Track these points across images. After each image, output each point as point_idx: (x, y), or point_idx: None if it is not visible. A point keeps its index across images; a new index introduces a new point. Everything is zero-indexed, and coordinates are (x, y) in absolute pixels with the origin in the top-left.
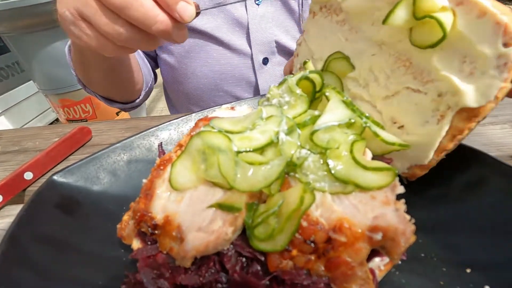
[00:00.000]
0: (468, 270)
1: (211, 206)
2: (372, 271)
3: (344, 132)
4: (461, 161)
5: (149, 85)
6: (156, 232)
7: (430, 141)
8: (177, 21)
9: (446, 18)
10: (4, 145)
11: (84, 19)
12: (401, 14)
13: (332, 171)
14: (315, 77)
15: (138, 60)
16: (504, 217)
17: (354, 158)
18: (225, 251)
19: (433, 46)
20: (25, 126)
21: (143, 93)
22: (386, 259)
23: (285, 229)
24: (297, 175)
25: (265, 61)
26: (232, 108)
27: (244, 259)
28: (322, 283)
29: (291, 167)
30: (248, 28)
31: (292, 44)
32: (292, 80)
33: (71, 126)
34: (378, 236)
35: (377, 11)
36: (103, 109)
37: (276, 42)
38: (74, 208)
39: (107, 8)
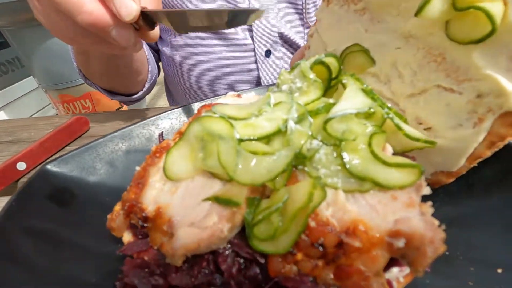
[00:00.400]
0: (500, 270)
1: (207, 199)
2: (389, 283)
3: (362, 123)
4: None
5: (153, 77)
6: (146, 225)
7: (462, 146)
8: (118, 19)
9: (496, 9)
10: None
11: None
12: (437, 5)
13: (347, 166)
14: (332, 62)
15: (146, 51)
16: None
17: (373, 152)
18: (221, 250)
19: (477, 41)
20: None
21: (147, 85)
22: (406, 270)
23: (289, 229)
24: (306, 169)
25: (268, 53)
26: (239, 95)
27: (242, 261)
28: None
29: (300, 160)
30: None
31: (295, 36)
32: (306, 64)
33: (69, 117)
34: (400, 243)
35: (403, 2)
36: (103, 105)
37: (279, 34)
38: (68, 199)
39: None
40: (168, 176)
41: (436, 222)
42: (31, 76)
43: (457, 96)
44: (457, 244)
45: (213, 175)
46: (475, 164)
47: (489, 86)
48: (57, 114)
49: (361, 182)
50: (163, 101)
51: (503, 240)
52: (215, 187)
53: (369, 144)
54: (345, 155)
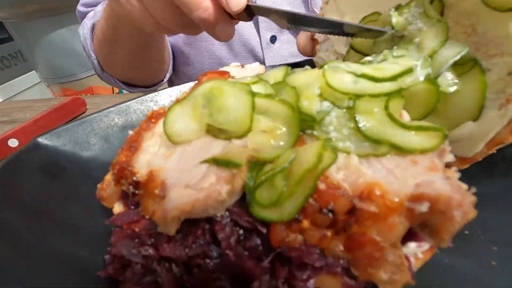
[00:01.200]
0: None
1: (204, 161)
2: (407, 258)
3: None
4: None
5: (170, 68)
6: (138, 192)
7: (484, 129)
8: (225, 16)
9: None
10: None
11: None
12: None
13: (362, 127)
14: None
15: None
16: None
17: (390, 115)
18: (218, 218)
19: None
20: None
21: (167, 75)
22: (425, 246)
23: (296, 192)
24: (315, 133)
25: (273, 39)
26: (242, 65)
27: (241, 231)
28: (339, 267)
29: (309, 123)
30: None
31: None
32: None
33: (63, 100)
34: (423, 208)
35: None
36: None
37: None
38: (59, 173)
39: None
40: (168, 133)
41: (465, 186)
42: (34, 71)
43: (486, 74)
44: (478, 224)
45: (215, 135)
46: (494, 151)
47: None
48: None
49: (377, 146)
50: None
51: None
52: (215, 150)
53: (386, 107)
54: (358, 117)
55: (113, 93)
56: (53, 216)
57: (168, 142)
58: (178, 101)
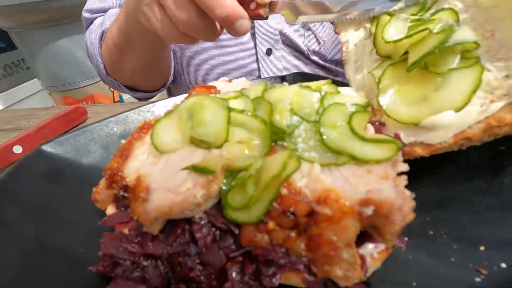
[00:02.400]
0: (482, 248)
1: (185, 168)
2: (362, 258)
3: (344, 104)
4: None
5: (171, 75)
6: (127, 195)
7: (459, 121)
8: (243, 11)
9: None
10: None
11: (159, 3)
12: None
13: (325, 139)
14: None
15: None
16: None
17: (352, 128)
18: (196, 219)
19: None
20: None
21: (169, 81)
22: (381, 247)
23: (263, 197)
24: (285, 144)
25: (269, 52)
26: (229, 80)
27: (218, 232)
28: (301, 264)
29: (280, 135)
30: None
31: (296, 37)
32: None
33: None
34: (369, 211)
35: None
36: None
37: (281, 33)
38: (61, 178)
39: None
40: (155, 143)
41: (408, 193)
42: (35, 78)
43: (484, 73)
44: (442, 225)
45: (197, 145)
46: (455, 149)
47: None
48: None
49: (338, 156)
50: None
51: (487, 220)
52: (196, 159)
53: (349, 121)
54: (323, 130)
55: (113, 101)
56: (52, 215)
57: (156, 151)
58: (165, 114)
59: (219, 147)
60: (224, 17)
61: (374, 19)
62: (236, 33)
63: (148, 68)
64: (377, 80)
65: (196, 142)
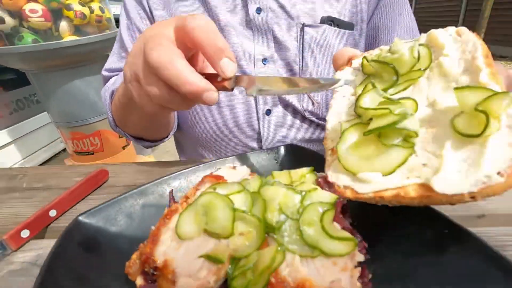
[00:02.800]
0: None
1: (201, 256)
2: None
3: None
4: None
5: (175, 126)
6: (156, 273)
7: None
8: (209, 85)
9: None
10: (29, 181)
11: (137, 79)
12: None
13: (304, 236)
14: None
15: None
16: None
17: (323, 227)
18: None
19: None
20: (32, 155)
21: (172, 132)
22: None
23: (258, 283)
24: (275, 236)
25: (268, 112)
26: (234, 167)
27: None
28: None
29: (271, 229)
30: None
31: (292, 100)
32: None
33: (89, 167)
34: None
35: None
36: (111, 144)
37: (279, 97)
38: (95, 246)
39: (151, 71)
40: (178, 233)
41: (358, 284)
42: (44, 112)
43: (412, 156)
44: None
45: (209, 235)
46: (373, 202)
47: (438, 161)
48: (64, 149)
49: (313, 249)
50: (168, 143)
51: None
52: (208, 247)
53: (321, 220)
54: (302, 228)
55: (119, 137)
56: (91, 283)
57: (178, 238)
58: (185, 208)
59: (227, 237)
60: (190, 93)
61: (362, 82)
62: (205, 104)
63: (148, 127)
64: (342, 130)
65: (209, 232)
